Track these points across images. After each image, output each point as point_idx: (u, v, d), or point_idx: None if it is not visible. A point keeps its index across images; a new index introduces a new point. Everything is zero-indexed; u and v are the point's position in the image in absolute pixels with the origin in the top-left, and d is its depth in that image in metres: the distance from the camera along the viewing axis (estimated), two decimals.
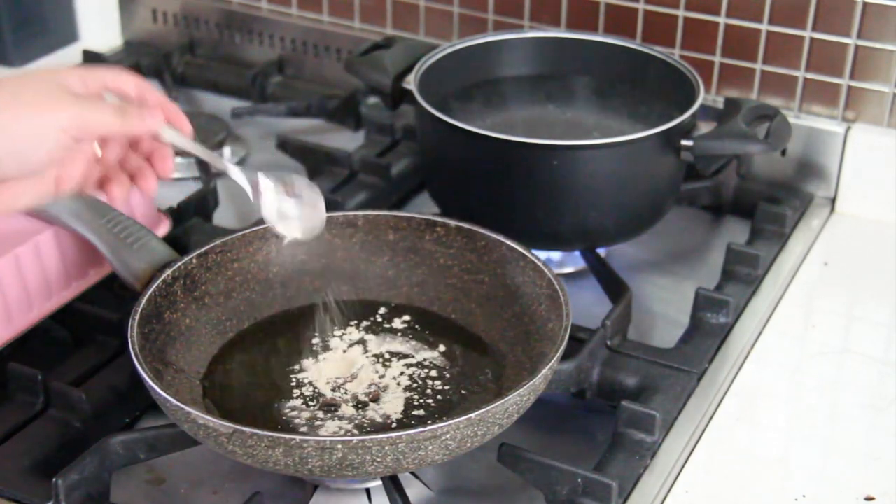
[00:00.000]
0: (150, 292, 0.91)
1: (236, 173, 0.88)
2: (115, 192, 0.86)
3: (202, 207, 1.19)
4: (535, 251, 0.97)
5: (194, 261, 0.96)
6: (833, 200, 1.25)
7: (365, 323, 1.00)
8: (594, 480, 0.85)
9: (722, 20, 1.25)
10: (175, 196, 1.18)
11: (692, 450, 0.93)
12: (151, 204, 1.11)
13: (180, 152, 0.88)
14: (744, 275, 1.11)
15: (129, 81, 0.86)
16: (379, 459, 0.78)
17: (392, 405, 0.90)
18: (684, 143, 1.08)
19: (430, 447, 0.79)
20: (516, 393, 0.82)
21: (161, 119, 0.84)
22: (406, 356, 0.96)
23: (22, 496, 0.86)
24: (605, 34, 1.25)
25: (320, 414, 0.89)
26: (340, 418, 0.89)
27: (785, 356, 1.04)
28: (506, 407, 0.82)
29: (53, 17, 1.54)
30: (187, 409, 0.80)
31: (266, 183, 0.88)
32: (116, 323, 1.00)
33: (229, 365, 0.95)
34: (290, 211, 0.90)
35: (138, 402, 0.96)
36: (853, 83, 1.23)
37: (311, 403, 0.91)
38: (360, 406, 0.90)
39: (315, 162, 1.29)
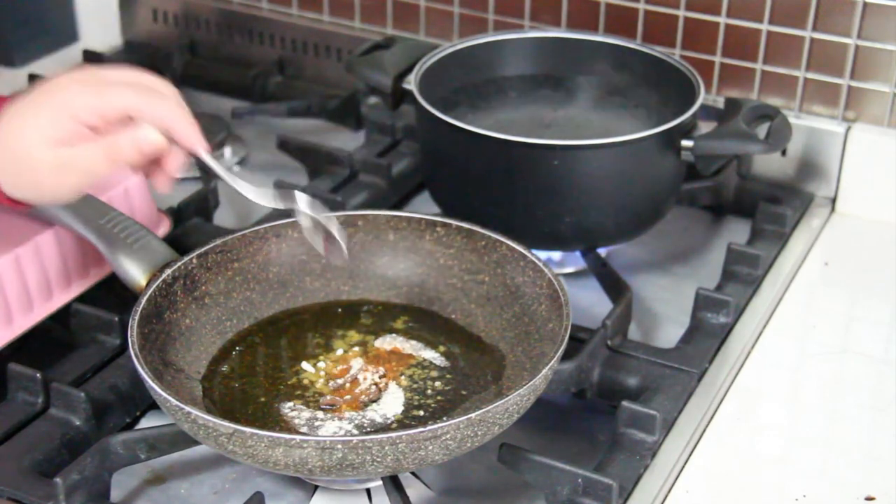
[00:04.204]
0: (150, 292, 0.91)
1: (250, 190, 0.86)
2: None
3: (202, 207, 1.19)
4: (535, 251, 0.97)
5: (194, 261, 0.96)
6: (833, 200, 1.25)
7: (365, 323, 1.00)
8: (594, 480, 0.85)
9: (722, 20, 1.25)
10: (175, 196, 1.18)
11: (692, 450, 0.93)
12: (151, 204, 1.11)
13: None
14: (744, 275, 1.11)
15: (155, 110, 0.80)
16: (379, 459, 0.78)
17: (392, 405, 0.90)
18: (684, 143, 1.08)
19: (431, 447, 0.79)
20: (517, 393, 0.81)
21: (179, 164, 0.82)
22: (406, 356, 0.96)
23: (22, 496, 0.86)
24: (605, 34, 1.25)
25: (320, 414, 0.89)
26: (340, 418, 0.89)
27: (785, 356, 1.04)
28: (506, 407, 0.82)
29: (53, 17, 1.53)
30: (187, 408, 0.80)
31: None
32: (116, 323, 1.00)
33: (229, 365, 0.95)
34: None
35: (138, 402, 0.97)
36: (853, 83, 1.23)
37: (311, 403, 0.91)
38: (360, 406, 0.90)
39: (315, 162, 1.28)
